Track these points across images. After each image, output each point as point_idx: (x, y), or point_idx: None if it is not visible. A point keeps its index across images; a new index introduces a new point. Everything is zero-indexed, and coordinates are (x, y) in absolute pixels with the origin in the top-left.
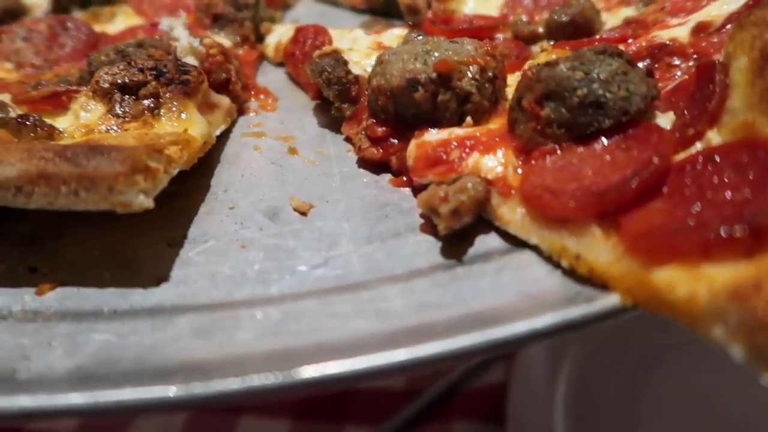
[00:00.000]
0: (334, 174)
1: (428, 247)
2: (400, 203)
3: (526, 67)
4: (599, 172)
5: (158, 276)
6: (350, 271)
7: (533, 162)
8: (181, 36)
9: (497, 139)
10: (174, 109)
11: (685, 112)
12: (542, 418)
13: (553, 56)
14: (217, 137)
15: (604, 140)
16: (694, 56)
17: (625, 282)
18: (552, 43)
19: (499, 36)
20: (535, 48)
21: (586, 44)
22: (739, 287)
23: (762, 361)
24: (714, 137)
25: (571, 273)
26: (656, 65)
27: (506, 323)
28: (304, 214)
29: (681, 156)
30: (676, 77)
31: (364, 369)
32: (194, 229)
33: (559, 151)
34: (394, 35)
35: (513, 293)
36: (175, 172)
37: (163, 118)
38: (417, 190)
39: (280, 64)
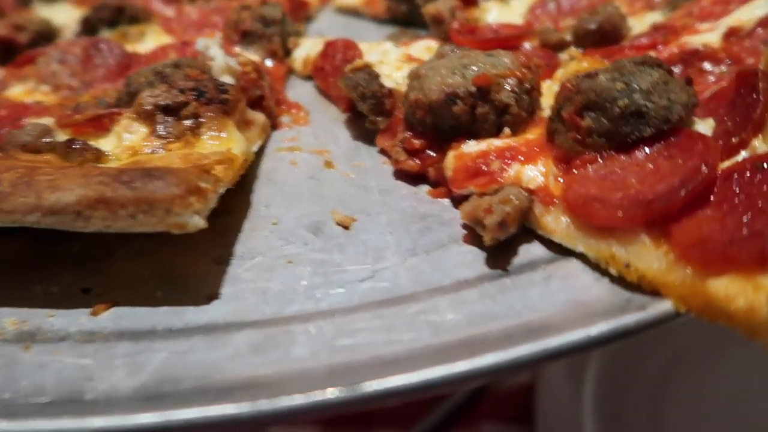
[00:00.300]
0: (372, 187)
1: (473, 258)
2: (440, 214)
3: (559, 76)
4: (644, 180)
5: (209, 293)
6: (398, 284)
7: (575, 171)
8: (217, 55)
9: (536, 149)
10: (214, 128)
11: (726, 119)
12: (571, 419)
13: (584, 64)
14: (255, 154)
15: (646, 149)
16: (727, 61)
17: (680, 290)
18: (581, 50)
19: (527, 44)
20: (563, 56)
21: (617, 51)
22: None
23: None
24: (760, 145)
25: (619, 280)
26: (688, 71)
27: (560, 332)
28: (346, 227)
29: (725, 164)
30: (710, 82)
31: (426, 381)
32: (240, 245)
33: (600, 160)
34: (422, 47)
35: (563, 302)
36: (222, 191)
37: (203, 137)
38: (457, 201)
39: (308, 78)
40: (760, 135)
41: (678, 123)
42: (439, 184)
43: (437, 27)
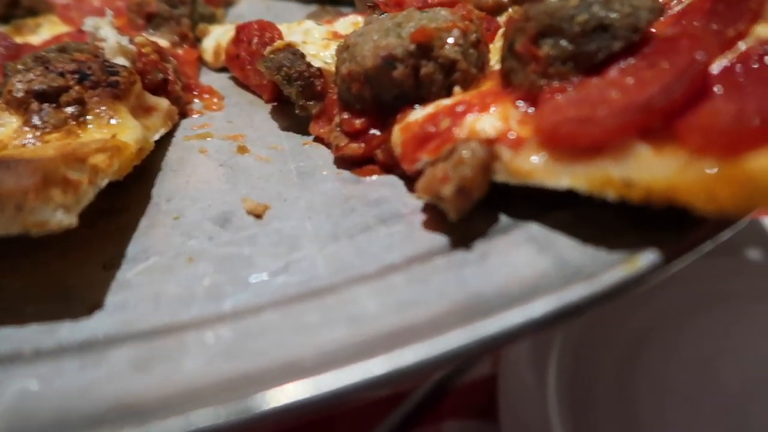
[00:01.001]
0: (291, 170)
1: (402, 239)
2: (366, 194)
3: (500, 35)
4: (629, 91)
5: (91, 304)
6: (315, 275)
7: (543, 104)
8: (108, 35)
9: (491, 96)
10: (103, 115)
11: (710, 25)
12: (536, 408)
13: None
14: (158, 143)
15: (621, 64)
16: None
17: (704, 187)
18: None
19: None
20: (502, 19)
21: None
22: None
23: None
24: (763, 30)
25: (567, 248)
26: None
27: (497, 314)
28: (259, 216)
29: (723, 60)
30: (672, 3)
31: (335, 389)
32: (134, 246)
33: (570, 88)
34: (348, 23)
35: (501, 280)
36: (103, 183)
37: (90, 126)
38: (411, 181)
39: (223, 69)
40: (762, 21)
41: (648, 31)
42: (393, 168)
43: (362, 1)
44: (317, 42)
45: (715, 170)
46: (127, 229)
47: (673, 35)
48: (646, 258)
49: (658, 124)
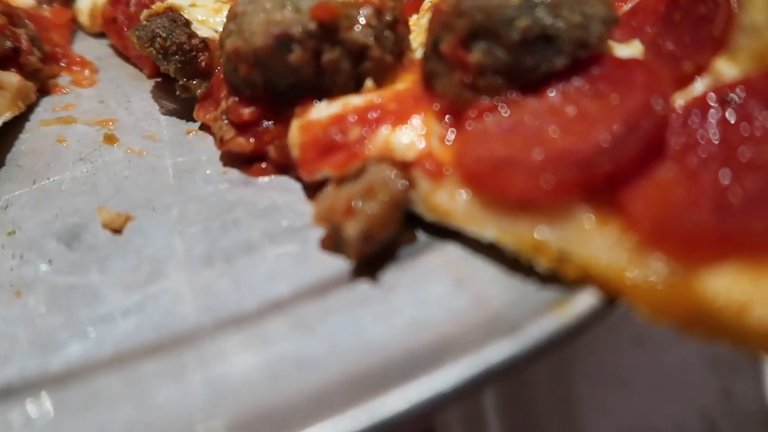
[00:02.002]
0: (166, 167)
1: (291, 264)
2: (255, 201)
3: (428, 6)
4: (570, 130)
5: None
6: (178, 314)
7: (468, 125)
8: None
9: (410, 103)
10: None
11: (663, 41)
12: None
13: None
14: (2, 130)
15: (562, 86)
16: None
17: (650, 293)
18: None
19: None
20: None
21: None
22: None
23: None
24: (725, 68)
25: (487, 283)
26: None
27: (397, 385)
28: (117, 231)
29: (678, 100)
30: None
31: None
32: None
33: (502, 107)
34: None
35: (407, 326)
36: None
37: None
38: (313, 188)
39: (101, 35)
40: (723, 55)
41: (597, 47)
42: (287, 168)
43: None
44: (209, 5)
45: (664, 276)
46: None
47: (625, 62)
48: (584, 301)
49: (601, 187)
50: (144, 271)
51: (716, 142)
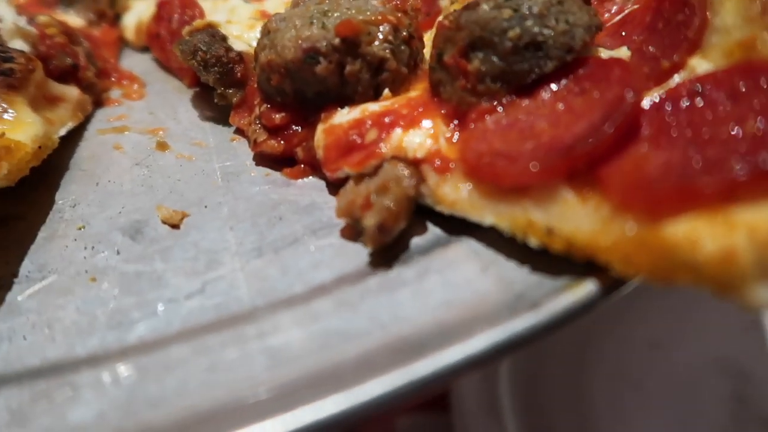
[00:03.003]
0: (215, 170)
1: (333, 254)
2: (296, 200)
3: (440, 18)
4: (557, 123)
5: None
6: (235, 297)
7: (471, 126)
8: (4, 14)
9: (420, 108)
10: None
11: (647, 46)
12: (488, 396)
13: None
14: (66, 138)
15: (552, 87)
16: None
17: (622, 248)
18: None
19: None
20: (444, 2)
21: None
22: None
23: None
24: (698, 63)
25: (510, 270)
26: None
27: (430, 352)
28: (175, 226)
29: (655, 94)
30: (612, 12)
31: None
32: (29, 262)
33: (500, 109)
34: (278, 1)
35: (439, 305)
36: None
37: None
38: (336, 185)
39: (146, 49)
40: (698, 53)
41: (583, 51)
42: (313, 169)
43: None
44: (243, 21)
45: (634, 231)
46: (22, 242)
47: (606, 61)
48: (593, 282)
49: (583, 168)
50: (202, 261)
51: (684, 125)
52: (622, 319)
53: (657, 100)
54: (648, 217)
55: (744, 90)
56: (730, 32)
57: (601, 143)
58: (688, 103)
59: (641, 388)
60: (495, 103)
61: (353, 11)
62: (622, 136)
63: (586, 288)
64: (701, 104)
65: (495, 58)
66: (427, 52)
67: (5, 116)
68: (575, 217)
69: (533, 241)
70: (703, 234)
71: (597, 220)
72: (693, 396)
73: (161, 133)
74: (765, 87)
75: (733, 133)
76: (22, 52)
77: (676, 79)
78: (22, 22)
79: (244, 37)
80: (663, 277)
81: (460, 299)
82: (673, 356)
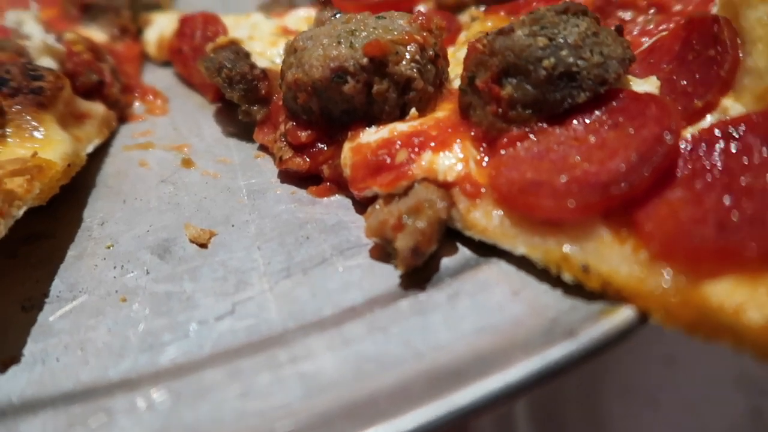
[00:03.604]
0: (240, 188)
1: (362, 274)
2: (323, 219)
3: (463, 40)
4: (591, 157)
5: (5, 356)
6: (265, 319)
7: (502, 152)
8: (33, 32)
9: (450, 130)
10: (25, 126)
11: (678, 77)
12: (503, 413)
13: (489, 24)
14: (92, 155)
15: (585, 118)
16: (651, 10)
17: (661, 300)
18: (482, 8)
19: (421, 7)
20: (464, 17)
21: (523, 6)
22: None
23: None
24: (732, 105)
25: (542, 294)
26: (606, 21)
27: (472, 381)
28: (203, 245)
29: (688, 132)
30: (634, 34)
31: None
32: (59, 281)
33: (531, 136)
34: (301, 17)
35: (473, 331)
36: (20, 212)
37: (10, 140)
38: (362, 204)
39: (167, 63)
40: (731, 93)
41: (615, 83)
42: (338, 187)
43: None
44: (265, 38)
45: (675, 284)
46: (52, 261)
47: (641, 96)
48: (628, 309)
49: (618, 208)
50: (231, 281)
51: (720, 170)
52: (637, 334)
53: (691, 141)
54: (689, 271)
55: None
56: (762, 76)
57: (638, 184)
58: (723, 146)
59: (657, 404)
60: (526, 130)
61: (380, 30)
62: (658, 179)
63: (624, 314)
64: (737, 149)
65: (528, 86)
66: (450, 70)
67: (36, 134)
68: (612, 258)
69: (567, 277)
70: (747, 300)
71: (635, 265)
72: (709, 412)
73: (186, 149)
74: None
75: None
76: (51, 70)
77: (709, 119)
78: (51, 39)
79: (266, 53)
80: (704, 335)
81: (493, 325)
82: (689, 371)
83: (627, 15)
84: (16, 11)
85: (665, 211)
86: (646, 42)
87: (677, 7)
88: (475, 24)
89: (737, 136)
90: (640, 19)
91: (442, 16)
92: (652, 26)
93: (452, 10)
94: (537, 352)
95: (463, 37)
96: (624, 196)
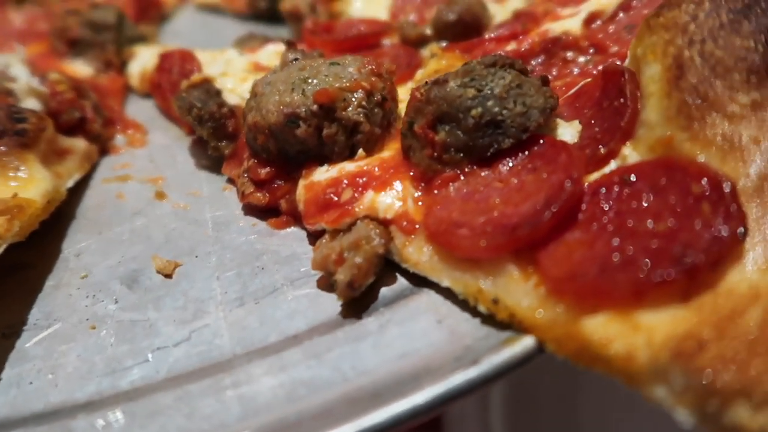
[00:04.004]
0: (206, 220)
1: (307, 305)
2: (278, 250)
3: (419, 77)
4: (508, 200)
5: None
6: (217, 346)
7: (435, 192)
8: (20, 75)
9: (392, 170)
10: (10, 165)
11: (594, 123)
12: (480, 418)
13: (443, 62)
14: (73, 187)
15: (509, 161)
16: (591, 50)
17: (552, 332)
18: (443, 44)
19: (387, 41)
20: (425, 52)
21: (477, 45)
22: (681, 343)
23: (715, 429)
24: (630, 153)
25: (462, 322)
26: (551, 61)
27: (385, 403)
28: (168, 276)
29: (594, 176)
30: (575, 74)
31: None
32: (36, 310)
33: (462, 177)
34: (271, 52)
35: (396, 356)
36: (0, 249)
37: None
38: (315, 236)
39: (148, 95)
40: (630, 142)
41: (537, 129)
42: (295, 220)
43: (296, 24)
44: (237, 74)
45: (562, 319)
46: (31, 290)
47: (556, 143)
48: (529, 339)
49: (525, 247)
50: (190, 310)
51: (613, 214)
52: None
53: (593, 186)
54: (575, 307)
55: (664, 184)
56: (653, 128)
57: (540, 228)
58: (618, 192)
59: (633, 408)
60: (458, 171)
61: (331, 78)
62: (560, 222)
63: (524, 343)
64: (628, 194)
65: (459, 132)
66: (402, 108)
67: (19, 174)
68: (518, 292)
69: (482, 308)
70: (615, 333)
71: (535, 299)
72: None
73: (160, 182)
74: (681, 184)
75: (650, 228)
76: (34, 111)
77: (613, 165)
78: (35, 82)
79: (237, 90)
80: (584, 364)
81: (415, 351)
82: None
83: (570, 55)
84: (4, 54)
85: (562, 252)
86: (580, 84)
87: (614, 49)
88: (432, 62)
89: (629, 182)
90: (581, 59)
91: (405, 50)
92: (591, 66)
93: (415, 45)
94: (443, 378)
95: (419, 74)
96: (528, 237)
